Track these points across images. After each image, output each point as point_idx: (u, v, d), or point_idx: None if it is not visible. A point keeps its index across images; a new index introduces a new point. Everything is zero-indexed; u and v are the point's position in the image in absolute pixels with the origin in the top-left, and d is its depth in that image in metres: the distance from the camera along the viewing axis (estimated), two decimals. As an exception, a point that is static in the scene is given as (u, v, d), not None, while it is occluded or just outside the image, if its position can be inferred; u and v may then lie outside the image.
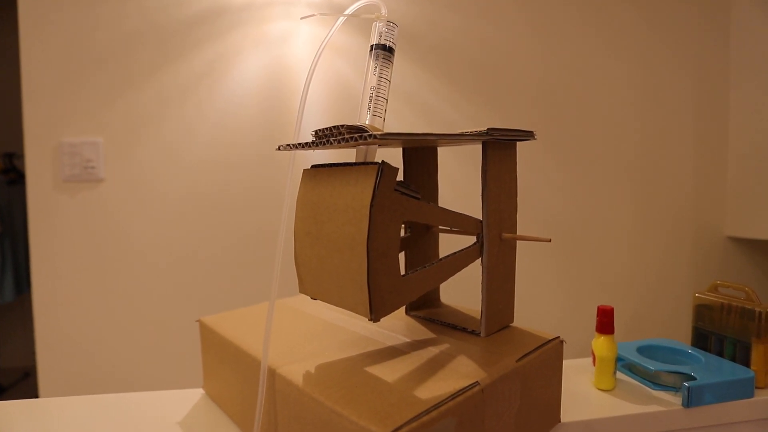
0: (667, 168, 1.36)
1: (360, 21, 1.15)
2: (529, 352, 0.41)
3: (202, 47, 1.09)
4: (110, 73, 1.06)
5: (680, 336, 1.40)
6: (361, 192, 0.35)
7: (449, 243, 1.14)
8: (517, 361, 0.39)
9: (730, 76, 1.38)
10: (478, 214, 0.44)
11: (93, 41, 1.05)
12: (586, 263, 1.32)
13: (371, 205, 0.33)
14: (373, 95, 0.41)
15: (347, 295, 0.36)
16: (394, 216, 0.35)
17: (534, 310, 1.30)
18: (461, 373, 0.36)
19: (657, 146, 1.35)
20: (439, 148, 0.54)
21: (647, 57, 1.32)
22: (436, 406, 0.31)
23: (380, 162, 0.35)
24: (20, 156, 2.48)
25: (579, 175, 1.30)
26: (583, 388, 0.55)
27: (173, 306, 1.12)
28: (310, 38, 1.13)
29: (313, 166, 0.42)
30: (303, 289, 0.42)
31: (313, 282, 0.40)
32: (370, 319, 0.34)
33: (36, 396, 1.29)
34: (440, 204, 0.48)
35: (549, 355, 0.43)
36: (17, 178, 2.38)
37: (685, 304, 1.40)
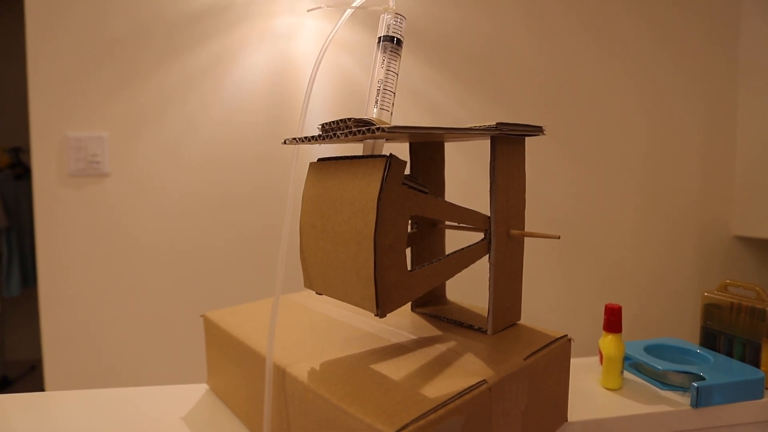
0: (675, 166, 1.35)
1: (364, 16, 1.14)
2: (537, 351, 0.40)
3: (208, 41, 1.09)
4: (116, 68, 1.06)
5: (685, 336, 1.39)
6: (368, 185, 0.34)
7: (455, 241, 1.13)
8: (524, 360, 0.38)
9: (738, 75, 1.37)
10: (485, 212, 0.43)
11: (99, 35, 1.05)
12: (592, 261, 1.31)
13: (379, 198, 0.33)
14: (381, 88, 0.41)
15: (353, 289, 0.36)
16: (402, 210, 0.35)
17: (538, 308, 1.29)
18: (468, 371, 0.36)
19: (664, 144, 1.34)
20: (445, 145, 0.53)
21: (655, 54, 1.31)
22: (443, 405, 0.31)
23: (388, 155, 0.34)
24: (26, 150, 2.49)
25: (586, 172, 1.29)
26: (590, 387, 0.55)
27: (178, 301, 1.12)
28: (316, 33, 1.13)
29: (319, 159, 0.42)
30: (308, 284, 0.42)
31: (318, 276, 0.40)
32: (377, 315, 0.34)
33: (42, 389, 1.30)
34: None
35: (557, 353, 0.43)
36: (23, 172, 2.39)
37: (690, 303, 1.39)
